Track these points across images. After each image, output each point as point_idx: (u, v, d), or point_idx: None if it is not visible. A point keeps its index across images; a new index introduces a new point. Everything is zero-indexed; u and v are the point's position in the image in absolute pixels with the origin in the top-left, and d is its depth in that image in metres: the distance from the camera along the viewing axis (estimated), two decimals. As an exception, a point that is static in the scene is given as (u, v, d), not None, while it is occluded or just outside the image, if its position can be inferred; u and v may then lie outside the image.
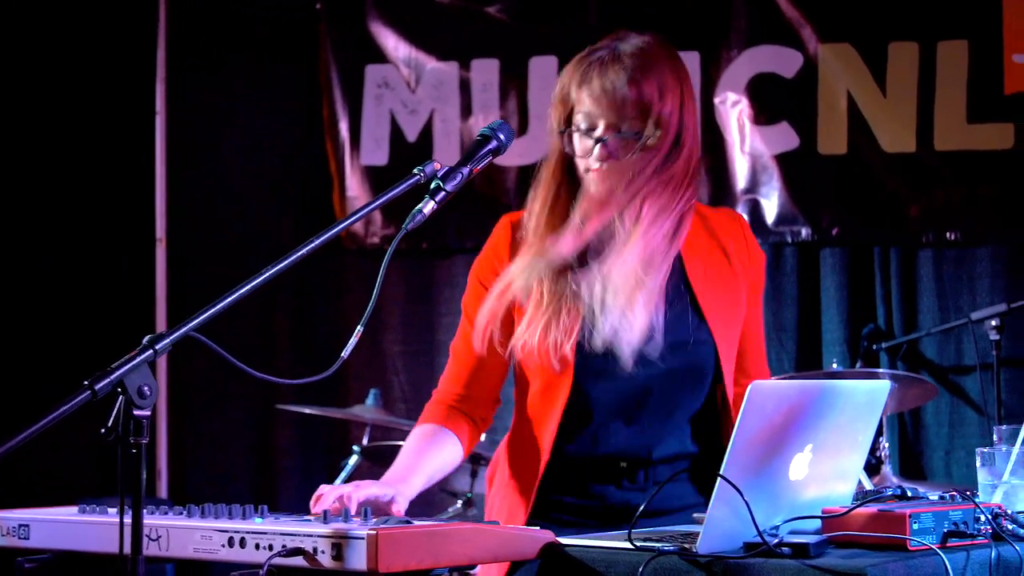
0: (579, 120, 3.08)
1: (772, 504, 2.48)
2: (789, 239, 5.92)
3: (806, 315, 5.91)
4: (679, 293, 3.11)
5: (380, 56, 6.38)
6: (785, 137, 5.92)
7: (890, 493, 2.60)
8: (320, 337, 6.40)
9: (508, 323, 3.13)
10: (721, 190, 5.96)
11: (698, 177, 3.17)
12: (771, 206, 5.92)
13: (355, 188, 6.34)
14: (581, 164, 3.09)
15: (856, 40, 5.85)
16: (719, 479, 2.36)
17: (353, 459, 5.45)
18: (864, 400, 2.62)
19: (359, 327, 2.70)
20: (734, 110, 5.96)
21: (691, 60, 5.98)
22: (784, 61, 5.93)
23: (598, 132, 3.05)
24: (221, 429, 6.53)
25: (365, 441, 5.52)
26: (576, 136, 3.09)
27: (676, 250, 3.10)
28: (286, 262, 2.63)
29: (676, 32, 5.98)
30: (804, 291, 5.93)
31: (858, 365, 5.57)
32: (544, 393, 3.11)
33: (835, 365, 4.83)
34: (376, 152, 6.37)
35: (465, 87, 6.24)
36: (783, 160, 5.92)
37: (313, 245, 2.65)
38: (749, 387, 2.37)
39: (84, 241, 6.55)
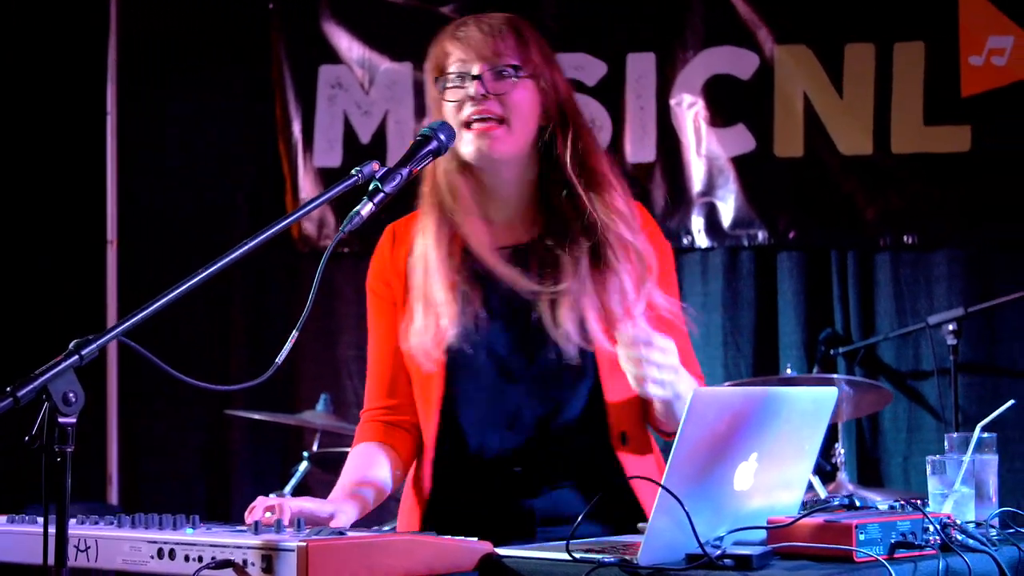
0: (452, 69, 2.98)
1: (716, 514, 2.41)
2: (746, 242, 5.87)
3: (763, 319, 5.87)
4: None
5: (333, 56, 6.31)
6: (741, 139, 5.88)
7: (837, 503, 2.54)
8: (274, 340, 6.28)
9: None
10: (677, 193, 5.91)
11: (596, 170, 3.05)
12: (727, 209, 5.87)
13: (308, 189, 6.28)
14: (456, 119, 2.95)
15: (812, 41, 5.81)
16: (660, 489, 2.30)
17: (303, 465, 5.37)
18: (810, 407, 2.56)
19: (294, 331, 2.64)
20: (690, 112, 5.91)
21: (647, 61, 5.94)
22: (740, 62, 5.89)
23: (474, 71, 2.94)
24: (173, 434, 6.45)
25: (315, 447, 5.44)
26: (448, 86, 2.98)
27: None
28: (216, 266, 2.55)
29: (632, 32, 5.99)
30: (761, 295, 5.89)
31: (815, 370, 5.53)
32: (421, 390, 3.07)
33: (789, 370, 4.78)
34: (329, 153, 6.31)
35: (419, 88, 6.15)
36: (739, 163, 5.87)
37: (242, 250, 2.57)
38: (690, 394, 2.30)
39: (35, 243, 6.46)
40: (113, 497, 6.40)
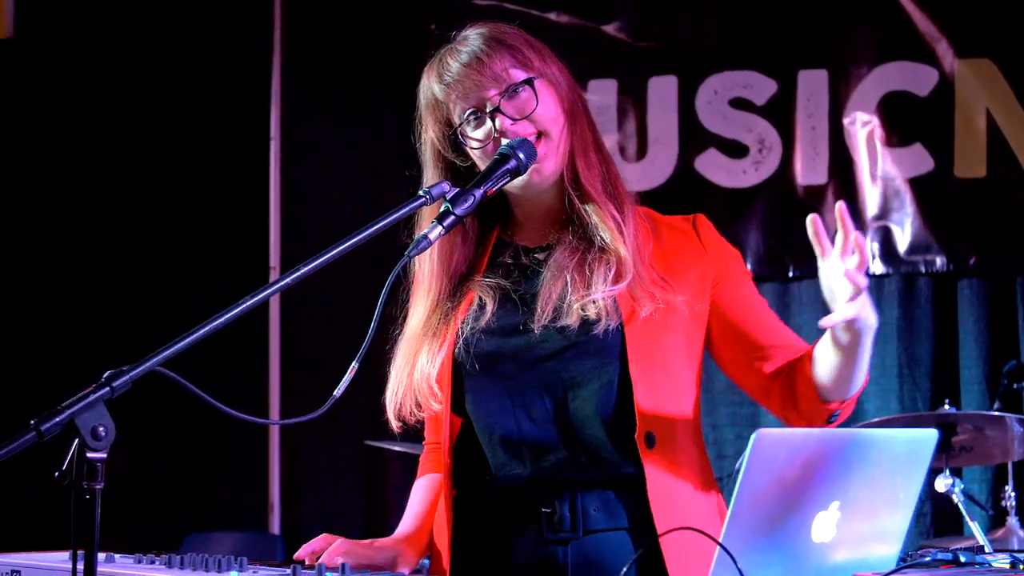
0: (459, 111, 2.73)
1: (793, 569, 2.17)
2: (923, 269, 5.55)
3: (942, 351, 5.54)
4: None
5: (496, 78, 6.15)
6: (919, 159, 5.57)
7: (938, 556, 2.28)
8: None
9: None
10: (850, 216, 5.59)
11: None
12: (904, 234, 5.56)
13: (466, 213, 6.14)
14: (485, 159, 2.70)
15: (996, 55, 5.50)
16: (718, 547, 2.06)
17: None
18: (904, 451, 2.29)
19: (354, 363, 2.47)
20: (864, 131, 5.62)
21: (818, 78, 5.67)
22: (918, 78, 5.59)
23: (487, 106, 2.70)
24: (334, 462, 6.36)
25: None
26: (467, 130, 2.73)
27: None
28: (265, 293, 2.43)
29: (803, 48, 5.72)
30: (940, 325, 5.56)
31: (996, 406, 5.17)
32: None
33: (947, 406, 4.47)
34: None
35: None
36: (917, 184, 5.56)
37: (297, 275, 2.45)
38: (753, 436, 2.06)
39: (200, 268, 6.44)
40: (275, 526, 6.34)
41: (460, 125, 2.73)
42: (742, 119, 5.77)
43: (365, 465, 6.29)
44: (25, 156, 6.84)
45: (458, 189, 2.57)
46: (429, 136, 2.80)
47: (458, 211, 2.54)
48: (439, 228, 2.53)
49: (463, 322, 2.75)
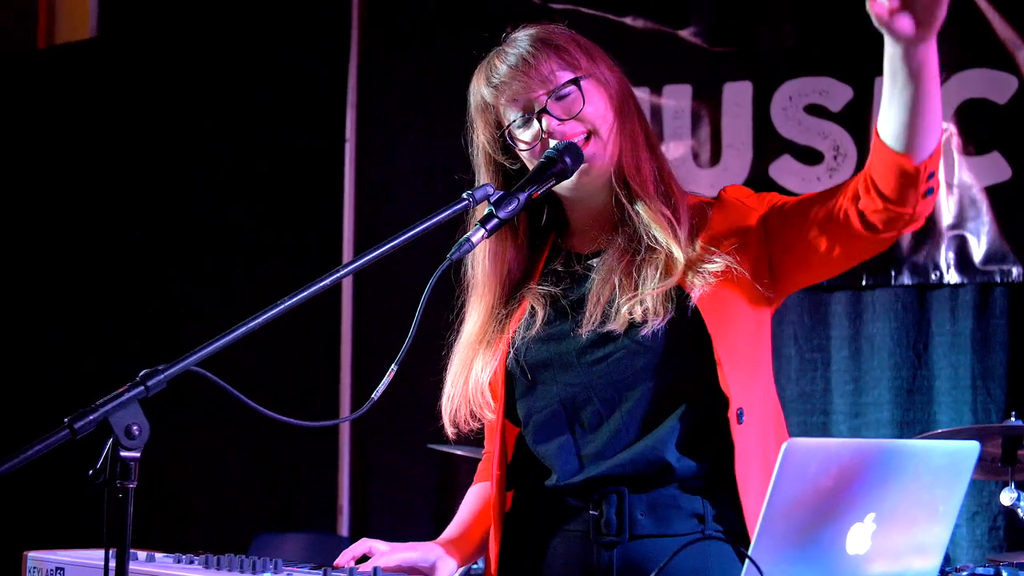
0: (509, 114, 2.75)
1: (826, 582, 2.13)
2: (999, 279, 5.45)
3: (1017, 362, 5.43)
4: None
5: (567, 81, 6.13)
6: (996, 168, 5.47)
7: (976, 571, 2.23)
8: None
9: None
10: (925, 225, 5.36)
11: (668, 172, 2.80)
12: (980, 243, 5.47)
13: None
14: (534, 161, 2.71)
15: (1078, 62, 5.38)
16: (746, 560, 2.03)
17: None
18: (944, 463, 2.24)
19: (393, 366, 2.47)
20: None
21: (895, 85, 5.58)
22: (996, 86, 5.48)
23: (536, 106, 2.71)
24: (403, 464, 6.35)
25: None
26: (515, 131, 2.75)
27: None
28: (305, 294, 2.44)
29: (879, 54, 5.62)
30: (1015, 336, 5.45)
31: (1072, 419, 5.08)
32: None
33: (1013, 418, 4.38)
34: (568, 181, 6.13)
35: (656, 113, 5.93)
36: (993, 193, 5.46)
37: (340, 275, 2.45)
38: (784, 445, 2.02)
39: (273, 270, 6.47)
40: (344, 527, 6.35)
41: (508, 127, 2.72)
42: (817, 125, 5.71)
43: (435, 468, 6.28)
44: (109, 155, 6.91)
45: (502, 192, 2.56)
46: (480, 139, 2.83)
47: (501, 214, 2.54)
48: (482, 231, 2.53)
49: (516, 331, 2.75)
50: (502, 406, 2.77)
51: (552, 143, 2.68)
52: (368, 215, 6.48)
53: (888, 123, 2.42)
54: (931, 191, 2.47)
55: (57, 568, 2.75)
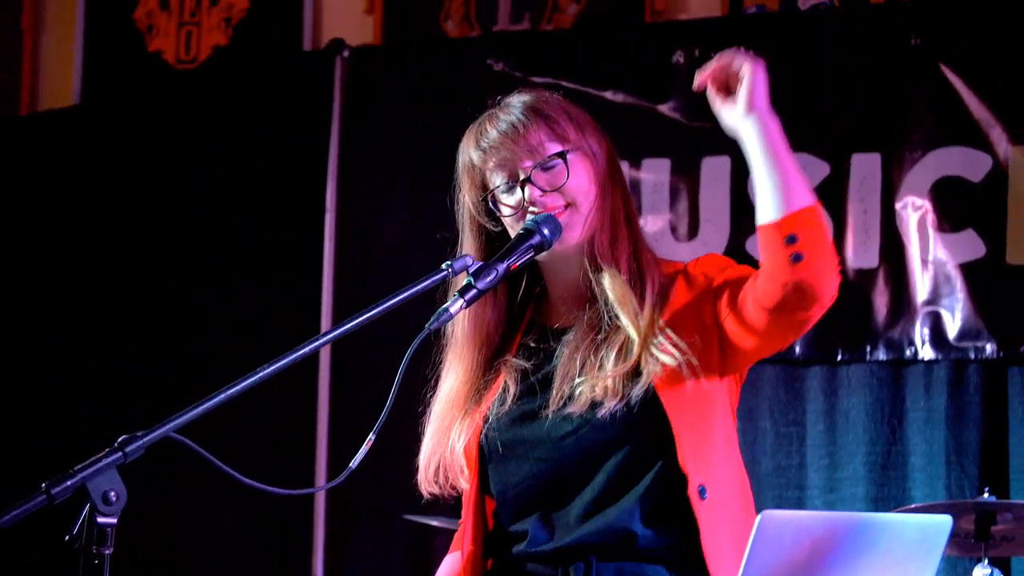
0: (495, 178, 2.83)
1: (799, 655, 2.15)
2: (973, 355, 5.47)
3: (991, 439, 5.43)
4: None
5: (549, 155, 6.18)
6: (971, 245, 5.50)
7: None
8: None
9: None
10: (900, 301, 5.57)
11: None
12: (954, 320, 5.50)
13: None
14: (516, 226, 2.79)
15: (1051, 143, 5.44)
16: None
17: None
18: (916, 537, 2.27)
19: (371, 435, 2.50)
20: (916, 215, 5.56)
21: (872, 162, 5.64)
22: (971, 164, 5.51)
23: (521, 174, 2.78)
24: (378, 537, 6.34)
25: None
26: (500, 196, 2.82)
27: None
28: (284, 361, 2.47)
29: (857, 131, 5.70)
30: (989, 412, 5.46)
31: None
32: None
33: (987, 494, 4.41)
34: (544, 254, 6.16)
35: (635, 187, 5.97)
36: (968, 270, 5.49)
37: (316, 343, 2.48)
38: (759, 517, 2.05)
39: (251, 340, 6.48)
40: (319, 598, 6.34)
41: (492, 191, 2.79)
42: (794, 201, 5.73)
43: (410, 539, 6.27)
44: (89, 221, 6.93)
45: (481, 263, 2.60)
46: (465, 199, 2.90)
47: (480, 285, 2.59)
48: (460, 301, 2.58)
49: (490, 407, 2.81)
50: (476, 479, 2.82)
51: (532, 213, 2.73)
52: (347, 286, 6.49)
53: (756, 195, 2.61)
54: (799, 257, 2.54)
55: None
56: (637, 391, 2.66)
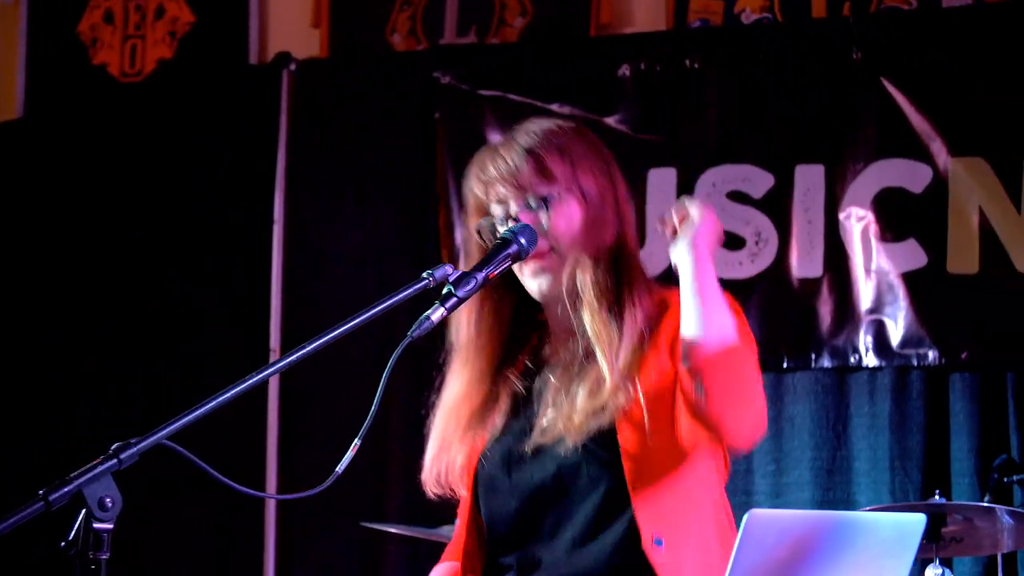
0: (494, 209, 2.92)
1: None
2: (915, 362, 5.59)
3: (933, 444, 5.55)
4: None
5: (498, 167, 6.23)
6: (913, 255, 5.62)
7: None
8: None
9: None
10: (844, 310, 5.67)
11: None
12: (897, 327, 5.61)
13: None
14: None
15: (989, 154, 5.54)
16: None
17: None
18: (892, 536, 2.35)
19: (356, 440, 2.55)
20: (859, 226, 5.68)
21: (815, 173, 5.75)
22: (913, 175, 5.64)
23: (511, 209, 2.88)
24: (330, 546, 6.35)
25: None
26: (497, 225, 2.91)
27: None
28: (267, 372, 2.52)
29: (801, 145, 5.80)
30: (931, 418, 5.58)
31: (987, 498, 5.20)
32: None
33: (937, 496, 4.51)
34: (492, 264, 6.22)
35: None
36: (910, 279, 5.61)
37: (298, 356, 2.53)
38: (746, 516, 2.13)
39: (200, 350, 6.49)
40: (268, 609, 6.35)
41: (481, 226, 2.93)
42: (740, 212, 5.84)
43: (362, 546, 6.29)
44: (31, 236, 6.92)
45: (460, 272, 2.66)
46: (469, 224, 2.98)
47: (460, 293, 2.64)
48: (441, 309, 2.62)
49: (487, 440, 2.92)
50: (470, 503, 2.94)
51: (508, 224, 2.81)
52: (295, 296, 6.52)
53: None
54: (703, 391, 2.64)
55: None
56: (601, 433, 2.76)
